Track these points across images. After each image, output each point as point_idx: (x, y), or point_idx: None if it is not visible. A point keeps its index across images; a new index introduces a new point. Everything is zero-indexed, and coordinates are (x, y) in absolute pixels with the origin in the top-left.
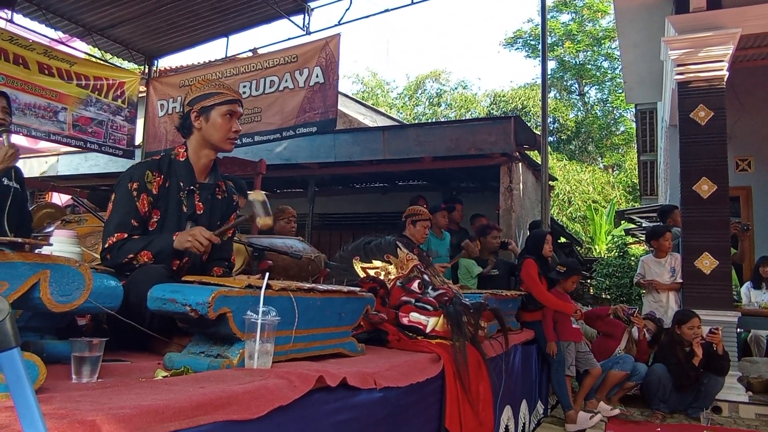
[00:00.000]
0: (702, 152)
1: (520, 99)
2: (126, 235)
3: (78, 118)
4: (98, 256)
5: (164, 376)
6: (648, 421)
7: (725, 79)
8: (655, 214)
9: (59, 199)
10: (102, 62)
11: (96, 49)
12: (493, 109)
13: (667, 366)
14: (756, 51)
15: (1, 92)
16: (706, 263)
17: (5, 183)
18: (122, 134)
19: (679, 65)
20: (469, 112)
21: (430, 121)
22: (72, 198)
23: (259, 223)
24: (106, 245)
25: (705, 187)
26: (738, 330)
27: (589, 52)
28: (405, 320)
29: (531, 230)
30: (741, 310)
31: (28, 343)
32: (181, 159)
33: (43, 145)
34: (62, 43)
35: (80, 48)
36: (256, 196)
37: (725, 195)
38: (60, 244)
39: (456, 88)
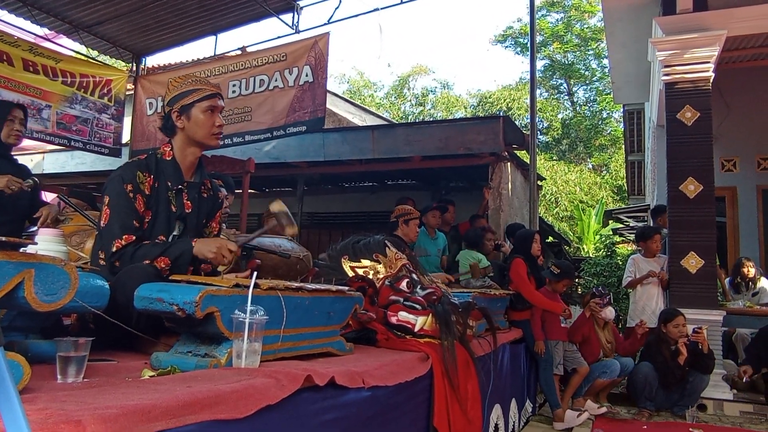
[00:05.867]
0: (688, 152)
1: (505, 100)
2: (134, 239)
3: (62, 115)
4: (84, 256)
5: (151, 376)
6: (635, 419)
7: (711, 81)
8: (642, 214)
9: (45, 197)
10: (89, 60)
11: (83, 46)
12: (478, 110)
13: (654, 364)
14: (741, 53)
15: (20, 105)
16: (692, 263)
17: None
18: (108, 132)
19: (666, 66)
20: (452, 115)
21: (419, 120)
22: (58, 196)
23: (287, 233)
24: (114, 249)
25: (691, 187)
26: (724, 328)
27: (577, 52)
28: (394, 319)
29: (508, 233)
30: (726, 309)
31: (13, 343)
32: (167, 158)
33: (29, 143)
34: (48, 39)
35: (66, 45)
36: (279, 207)
37: (711, 195)
38: (45, 243)
39: (438, 88)
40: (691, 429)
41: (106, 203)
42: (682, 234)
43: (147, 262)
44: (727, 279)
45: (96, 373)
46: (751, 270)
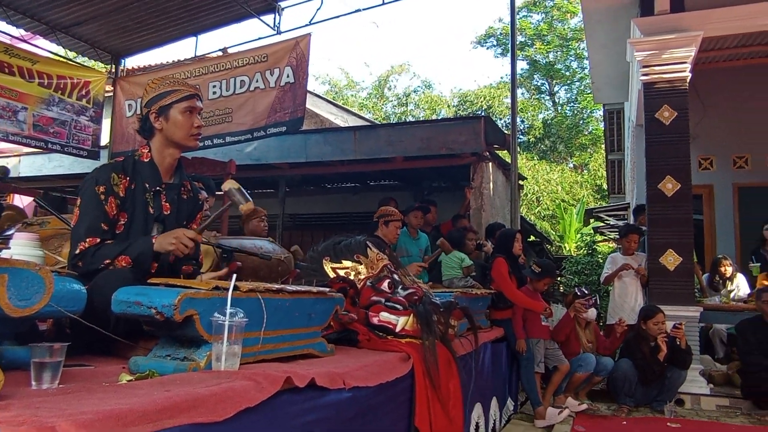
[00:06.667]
0: (666, 151)
1: (485, 98)
2: (99, 240)
3: (39, 118)
4: (62, 260)
5: (129, 380)
6: (614, 415)
7: (688, 81)
8: (622, 213)
9: (21, 201)
10: (66, 61)
11: (60, 47)
12: (460, 109)
13: (633, 361)
14: (717, 53)
15: None
16: (670, 260)
17: None
18: (87, 135)
19: (644, 66)
20: (435, 113)
21: (401, 121)
22: (34, 200)
23: (242, 209)
24: (77, 251)
25: (669, 186)
26: (701, 324)
27: (559, 52)
28: (375, 320)
29: (488, 232)
30: (703, 305)
31: None
32: (145, 160)
33: (5, 145)
34: (24, 41)
35: (43, 46)
36: (231, 184)
37: (688, 193)
38: (20, 247)
39: (420, 88)
40: (669, 424)
41: (77, 205)
42: (661, 232)
43: (107, 261)
44: (705, 276)
45: (72, 378)
46: (728, 269)
